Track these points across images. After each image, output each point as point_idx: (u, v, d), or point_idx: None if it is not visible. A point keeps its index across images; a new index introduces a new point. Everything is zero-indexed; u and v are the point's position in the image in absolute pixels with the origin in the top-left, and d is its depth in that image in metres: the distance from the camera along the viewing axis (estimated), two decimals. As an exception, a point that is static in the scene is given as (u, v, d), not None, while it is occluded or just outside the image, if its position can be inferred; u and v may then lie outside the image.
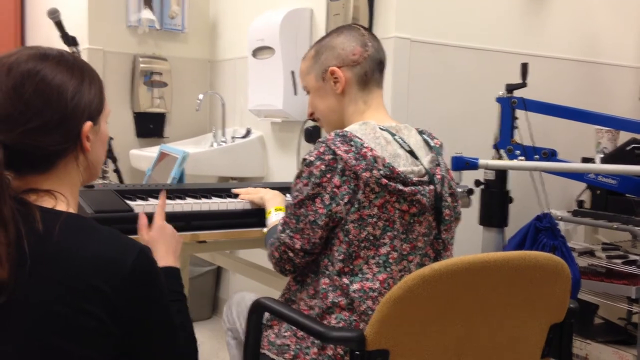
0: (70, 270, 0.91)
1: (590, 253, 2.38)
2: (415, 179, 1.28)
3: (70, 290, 0.90)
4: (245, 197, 1.70)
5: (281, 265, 1.35)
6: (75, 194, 1.04)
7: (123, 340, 0.94)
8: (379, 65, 1.42)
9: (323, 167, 1.25)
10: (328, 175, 1.25)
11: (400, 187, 1.24)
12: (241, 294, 1.65)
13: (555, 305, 1.18)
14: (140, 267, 0.95)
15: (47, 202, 0.97)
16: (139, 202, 1.57)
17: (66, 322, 0.90)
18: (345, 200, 1.24)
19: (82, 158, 1.02)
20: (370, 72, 1.40)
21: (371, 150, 1.25)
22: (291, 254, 1.31)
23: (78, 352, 0.91)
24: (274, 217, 1.54)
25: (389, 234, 1.25)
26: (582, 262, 2.33)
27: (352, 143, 1.25)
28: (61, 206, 0.99)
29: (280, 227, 1.35)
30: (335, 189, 1.24)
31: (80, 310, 0.90)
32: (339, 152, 1.25)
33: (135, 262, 0.94)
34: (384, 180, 1.23)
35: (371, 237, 1.25)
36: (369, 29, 2.29)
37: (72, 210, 1.01)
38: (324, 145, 1.27)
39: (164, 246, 1.26)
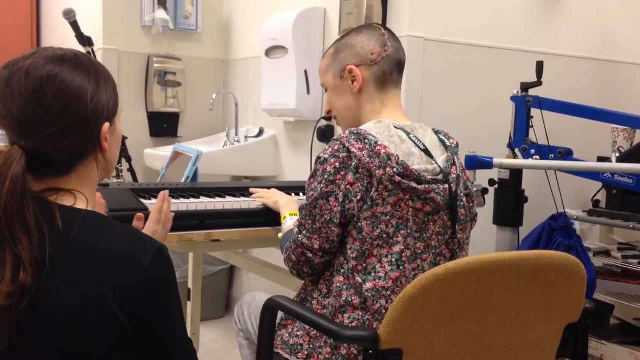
0: (88, 267, 0.92)
1: (606, 253, 2.36)
2: (429, 177, 1.27)
3: (88, 288, 0.91)
4: (260, 201, 1.70)
5: (298, 268, 1.35)
6: (93, 193, 1.05)
7: (136, 339, 0.95)
8: (398, 65, 1.42)
9: (337, 164, 1.25)
10: (342, 173, 1.25)
11: (414, 185, 1.24)
12: (252, 294, 1.65)
13: (571, 306, 1.17)
14: (157, 266, 0.95)
15: (66, 201, 0.98)
16: (154, 200, 1.58)
17: (85, 321, 0.90)
18: (358, 197, 1.24)
19: (101, 158, 1.03)
20: (389, 72, 1.40)
21: (385, 148, 1.24)
22: (310, 255, 1.31)
23: (97, 352, 0.92)
24: (289, 222, 1.53)
25: (402, 232, 1.25)
26: (597, 262, 2.31)
27: (366, 141, 1.25)
28: (80, 205, 0.99)
29: (296, 230, 1.35)
30: (348, 186, 1.24)
31: (98, 308, 0.91)
32: (353, 149, 1.24)
33: (152, 260, 0.94)
34: (398, 178, 1.22)
35: (384, 235, 1.24)
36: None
37: (90, 208, 1.02)
38: (338, 143, 1.28)
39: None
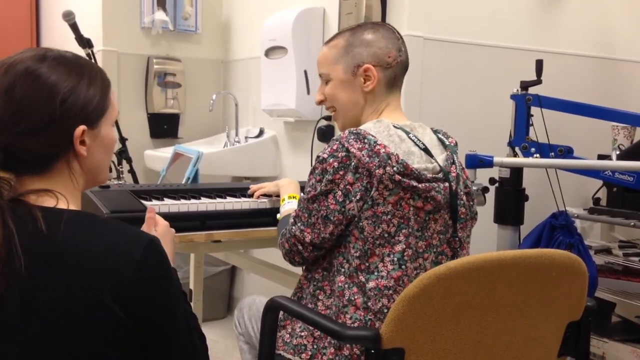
0: (80, 267, 0.91)
1: (607, 251, 2.36)
2: (429, 175, 1.28)
3: (83, 287, 0.90)
4: (261, 191, 1.72)
5: (290, 256, 1.37)
6: (75, 196, 1.01)
7: (140, 333, 0.94)
8: (405, 70, 1.43)
9: (336, 164, 1.26)
10: (341, 172, 1.25)
11: (415, 183, 1.24)
12: (252, 298, 1.65)
13: (572, 304, 1.17)
14: (149, 258, 0.94)
15: (47, 202, 0.96)
16: (155, 202, 1.58)
17: (78, 319, 0.90)
18: (358, 197, 1.24)
19: (76, 163, 0.99)
20: (399, 77, 1.42)
21: (384, 147, 1.25)
22: (300, 247, 1.33)
23: (96, 350, 0.91)
24: (287, 205, 1.55)
25: (403, 231, 1.25)
26: (598, 259, 2.30)
27: (365, 140, 1.25)
28: (62, 205, 0.97)
29: (292, 220, 1.37)
30: (348, 186, 1.25)
31: (96, 306, 0.90)
32: (352, 149, 1.25)
33: (144, 253, 0.93)
34: (398, 177, 1.22)
35: (386, 235, 1.25)
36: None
37: (73, 208, 0.99)
38: (337, 142, 1.28)
39: (168, 248, 1.26)
